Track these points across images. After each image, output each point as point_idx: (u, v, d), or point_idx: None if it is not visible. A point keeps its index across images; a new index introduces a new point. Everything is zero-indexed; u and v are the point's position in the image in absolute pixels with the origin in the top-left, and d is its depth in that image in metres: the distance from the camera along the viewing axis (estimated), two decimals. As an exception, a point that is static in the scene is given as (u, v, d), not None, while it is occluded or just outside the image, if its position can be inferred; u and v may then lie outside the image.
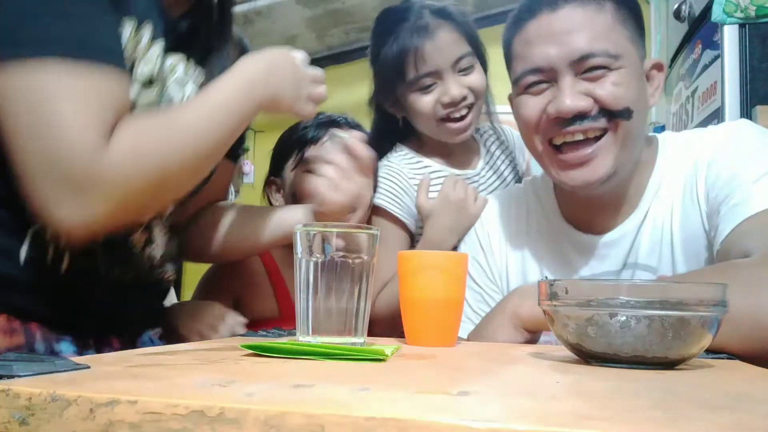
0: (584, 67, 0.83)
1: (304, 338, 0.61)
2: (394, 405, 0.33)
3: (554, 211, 0.98)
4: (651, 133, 0.98)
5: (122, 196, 0.65)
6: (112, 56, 0.67)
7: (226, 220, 0.96)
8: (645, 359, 0.51)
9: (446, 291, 0.69)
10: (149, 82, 0.74)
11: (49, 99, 0.61)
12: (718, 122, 1.56)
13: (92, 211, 0.63)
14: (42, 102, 0.61)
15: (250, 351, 0.54)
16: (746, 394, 0.41)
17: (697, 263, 0.85)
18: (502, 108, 1.20)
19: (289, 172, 1.18)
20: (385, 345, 0.60)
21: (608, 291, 0.52)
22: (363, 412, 0.30)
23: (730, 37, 1.54)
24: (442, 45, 1.09)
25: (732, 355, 0.62)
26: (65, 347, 0.74)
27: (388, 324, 0.99)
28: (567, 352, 0.58)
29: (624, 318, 0.50)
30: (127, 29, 0.71)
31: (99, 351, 0.78)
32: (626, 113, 0.83)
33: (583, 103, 0.83)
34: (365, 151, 0.97)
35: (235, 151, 0.98)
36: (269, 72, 0.79)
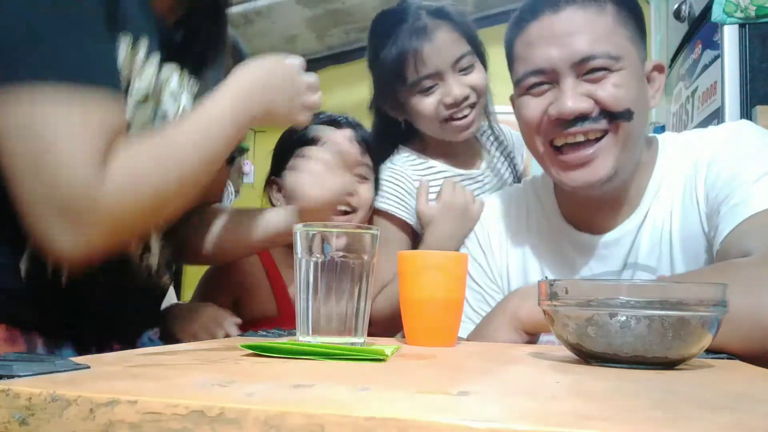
0: (585, 68, 0.84)
1: (304, 338, 0.61)
2: (394, 405, 0.33)
3: (554, 211, 0.98)
4: (651, 134, 0.99)
5: (121, 224, 0.66)
6: (109, 79, 0.66)
7: (217, 224, 0.96)
8: (645, 359, 0.51)
9: (446, 291, 0.69)
10: (144, 99, 0.74)
11: (46, 129, 0.61)
12: (718, 122, 1.56)
13: (91, 240, 0.64)
14: (38, 132, 0.60)
15: (250, 351, 0.54)
16: (746, 394, 0.41)
17: (696, 264, 0.85)
18: (502, 108, 1.20)
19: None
20: (385, 345, 0.60)
21: (608, 291, 0.52)
22: (363, 412, 0.30)
23: (730, 37, 1.54)
24: (441, 46, 1.09)
25: (732, 355, 0.62)
26: (66, 354, 0.74)
27: (388, 324, 0.99)
28: (567, 352, 0.58)
29: (624, 318, 0.50)
30: (123, 47, 0.70)
31: None
32: (627, 115, 0.84)
33: (584, 105, 0.83)
34: (350, 147, 0.95)
35: (231, 152, 0.97)
36: (264, 83, 0.78)
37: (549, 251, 0.97)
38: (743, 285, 0.62)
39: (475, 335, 0.85)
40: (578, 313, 0.52)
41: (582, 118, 0.84)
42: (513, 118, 0.97)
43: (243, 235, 0.94)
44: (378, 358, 0.51)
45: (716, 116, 1.58)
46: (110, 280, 0.73)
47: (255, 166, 3.71)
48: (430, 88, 1.10)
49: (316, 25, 3.56)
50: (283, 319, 1.16)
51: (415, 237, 1.15)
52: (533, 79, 0.87)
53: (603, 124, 0.84)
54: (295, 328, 0.65)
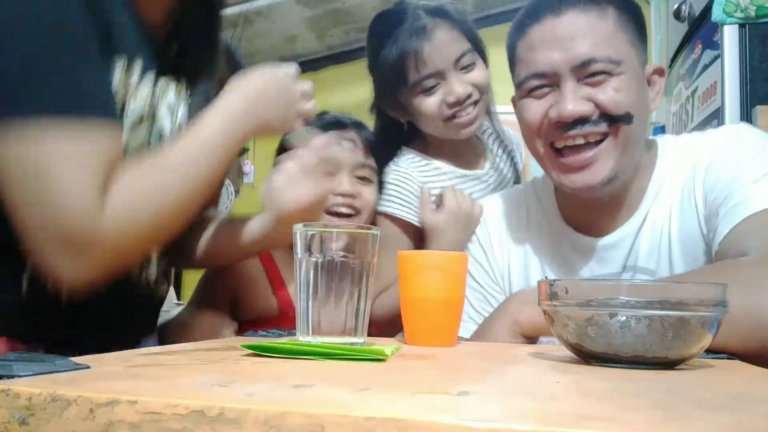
0: (586, 72, 0.84)
1: (304, 338, 0.61)
2: (394, 405, 0.33)
3: (554, 212, 0.99)
4: (651, 137, 0.99)
5: (123, 252, 0.67)
6: (105, 108, 0.67)
7: (208, 231, 0.95)
8: (645, 359, 0.51)
9: (446, 291, 0.69)
10: (140, 120, 0.75)
11: (45, 162, 0.61)
12: (718, 122, 1.56)
13: (93, 269, 0.65)
14: (37, 166, 0.61)
15: (250, 351, 0.54)
16: (746, 394, 0.41)
17: (695, 266, 0.85)
18: (502, 108, 1.20)
19: None
20: (385, 345, 0.60)
21: (608, 291, 0.52)
22: (363, 412, 0.30)
23: (730, 37, 1.54)
24: (442, 45, 1.09)
25: (732, 355, 0.62)
26: None
27: (388, 324, 0.99)
28: (567, 352, 0.58)
29: (624, 318, 0.50)
30: (118, 70, 0.71)
31: None
32: (627, 118, 0.84)
33: (584, 108, 0.84)
34: (330, 151, 0.91)
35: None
36: (255, 100, 0.78)
37: (549, 252, 0.97)
38: (743, 285, 0.62)
39: (476, 337, 0.86)
40: (578, 313, 0.52)
41: (582, 121, 0.84)
42: (513, 118, 0.97)
43: (227, 243, 0.93)
44: (378, 358, 0.51)
45: (716, 116, 1.58)
46: (110, 293, 0.74)
47: (255, 166, 3.71)
48: (432, 87, 1.10)
49: (316, 25, 3.56)
50: (284, 318, 1.16)
51: (420, 237, 1.14)
52: (534, 82, 0.88)
53: (603, 127, 0.85)
54: (295, 328, 0.65)
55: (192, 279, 1.28)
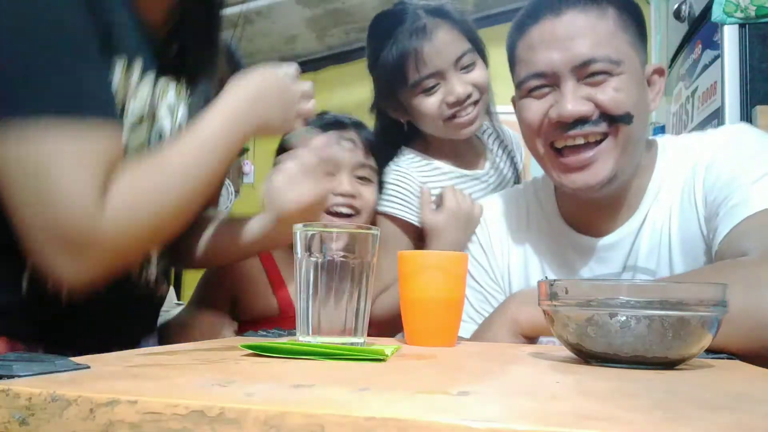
0: (586, 72, 0.84)
1: (304, 338, 0.61)
2: (394, 405, 0.33)
3: (554, 212, 0.99)
4: (651, 136, 0.99)
5: (123, 252, 0.67)
6: (105, 108, 0.67)
7: (208, 231, 0.95)
8: (645, 359, 0.51)
9: (446, 291, 0.69)
10: (140, 120, 0.75)
11: (45, 163, 0.61)
12: (718, 122, 1.56)
13: (93, 269, 0.65)
14: (38, 166, 0.61)
15: (250, 351, 0.54)
16: (746, 394, 0.41)
17: (695, 266, 0.85)
18: (502, 108, 1.20)
19: None
20: (385, 345, 0.60)
21: (608, 291, 0.52)
22: (363, 412, 0.30)
23: (730, 37, 1.54)
24: (442, 45, 1.09)
25: (732, 355, 0.62)
26: None
27: (388, 324, 0.99)
28: (567, 352, 0.58)
29: (624, 318, 0.50)
30: (118, 70, 0.71)
31: None
32: (627, 118, 0.84)
33: (584, 108, 0.84)
34: (330, 151, 0.91)
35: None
36: (255, 101, 0.78)
37: (549, 252, 0.97)
38: (743, 285, 0.62)
39: (476, 337, 0.86)
40: (578, 313, 0.52)
41: (582, 121, 0.84)
42: (513, 118, 0.97)
43: (227, 243, 0.93)
44: (378, 358, 0.51)
45: (716, 116, 1.58)
46: (110, 294, 0.74)
47: (255, 166, 3.71)
48: (433, 87, 1.10)
49: (316, 25, 3.56)
50: (284, 318, 1.16)
51: (420, 237, 1.14)
52: (534, 82, 0.88)
53: (603, 127, 0.85)
54: (295, 328, 0.65)
55: (192, 279, 1.28)
